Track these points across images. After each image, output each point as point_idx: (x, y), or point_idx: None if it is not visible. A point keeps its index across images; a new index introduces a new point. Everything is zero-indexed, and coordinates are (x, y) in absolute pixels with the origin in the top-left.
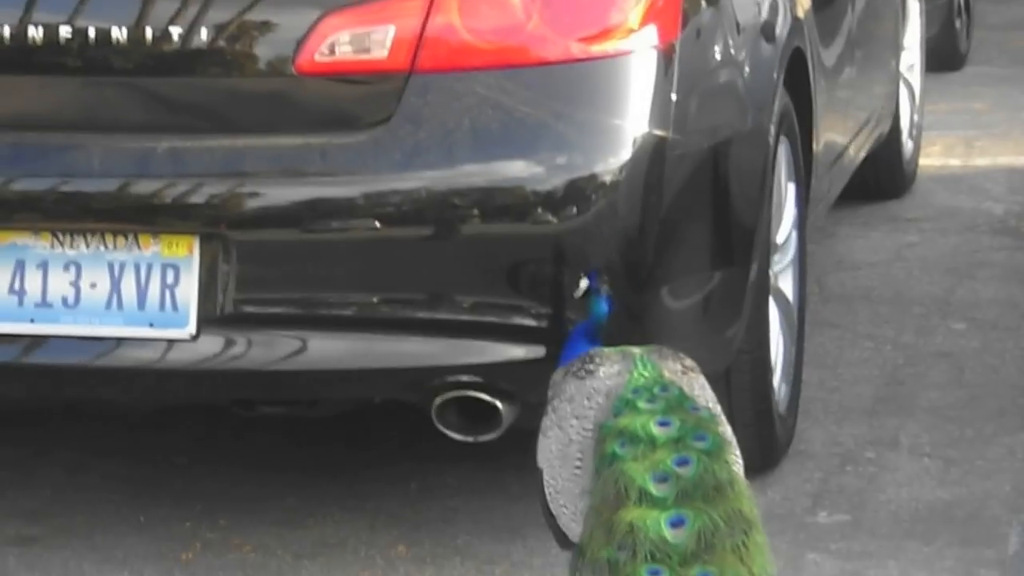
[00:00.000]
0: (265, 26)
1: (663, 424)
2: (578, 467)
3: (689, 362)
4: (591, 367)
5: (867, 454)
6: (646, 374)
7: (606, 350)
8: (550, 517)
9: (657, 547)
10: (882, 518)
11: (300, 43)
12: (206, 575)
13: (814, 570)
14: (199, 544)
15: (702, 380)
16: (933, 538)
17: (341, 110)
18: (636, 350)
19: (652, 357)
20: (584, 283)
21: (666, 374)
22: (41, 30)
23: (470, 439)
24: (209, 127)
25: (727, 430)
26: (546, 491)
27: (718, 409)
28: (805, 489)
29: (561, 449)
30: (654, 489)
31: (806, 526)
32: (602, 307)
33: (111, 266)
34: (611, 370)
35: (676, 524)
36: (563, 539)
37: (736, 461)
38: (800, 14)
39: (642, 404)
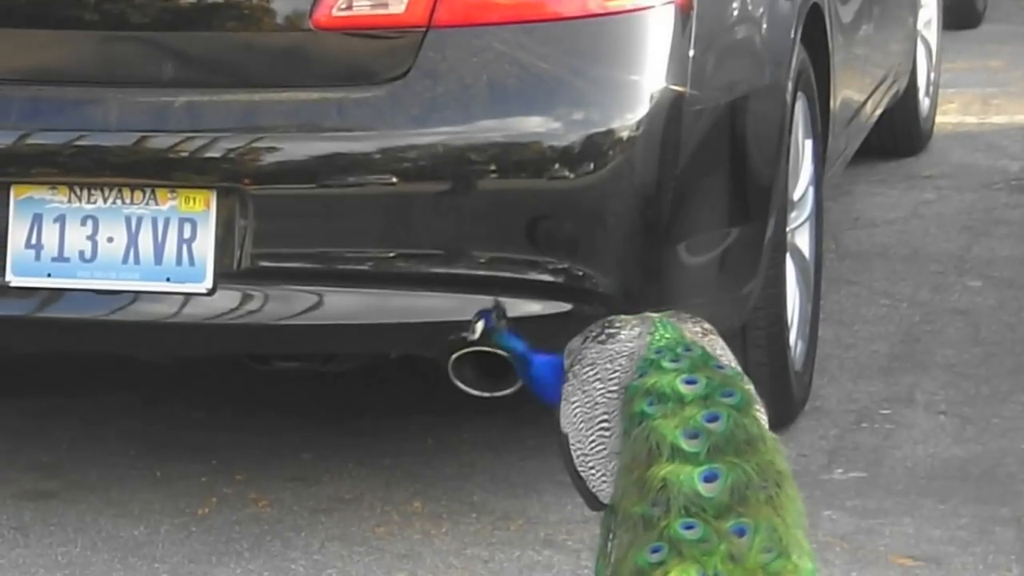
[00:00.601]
0: None
1: (690, 382)
2: (605, 429)
3: (707, 325)
4: (611, 331)
5: (883, 411)
6: (667, 335)
7: (623, 316)
8: (579, 480)
9: (691, 501)
10: (898, 475)
11: None
12: (222, 530)
13: (830, 527)
14: (215, 499)
15: (722, 342)
16: (949, 495)
17: (358, 65)
18: (654, 314)
19: (671, 320)
20: (480, 324)
21: (687, 335)
22: None
23: (486, 394)
24: (226, 82)
25: (752, 388)
26: (573, 455)
27: (740, 370)
28: (821, 446)
29: (586, 412)
30: (686, 445)
31: (822, 483)
32: (511, 340)
33: (128, 220)
34: (632, 333)
35: (709, 478)
36: (593, 501)
37: (761, 417)
38: None
39: (666, 363)
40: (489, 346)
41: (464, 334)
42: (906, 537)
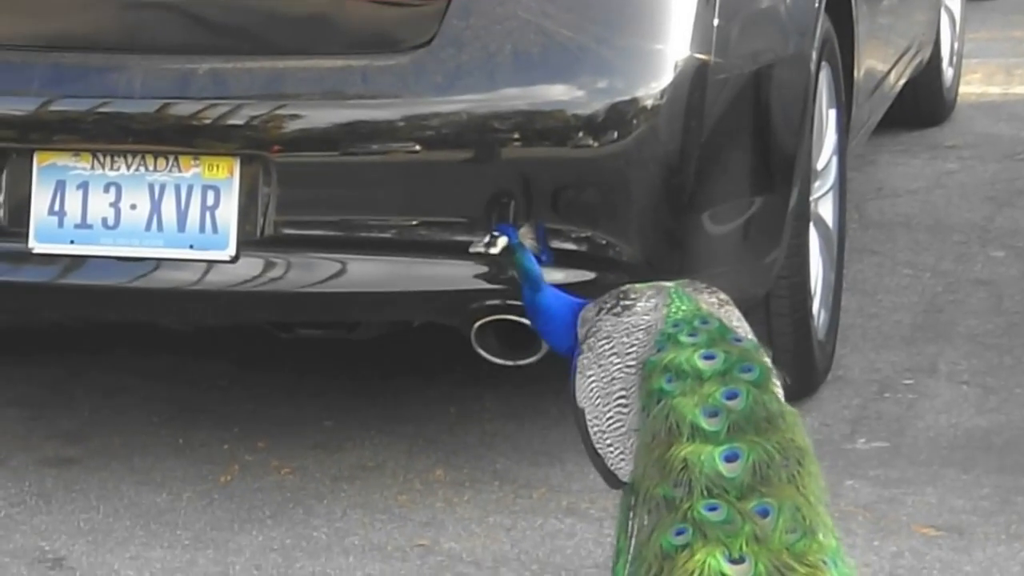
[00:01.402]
0: None
1: (708, 357)
2: (622, 405)
3: (723, 295)
4: (627, 303)
5: (905, 381)
6: (684, 307)
7: (638, 285)
8: (596, 457)
9: (713, 482)
10: (920, 445)
11: None
12: (244, 497)
13: (852, 496)
14: (237, 466)
15: (738, 313)
16: (971, 465)
17: (382, 32)
18: (668, 284)
19: (687, 290)
20: (502, 240)
21: (703, 306)
22: None
23: (509, 363)
24: (250, 49)
25: (769, 360)
26: (590, 431)
27: (756, 342)
28: (843, 415)
29: (603, 387)
30: (705, 424)
31: (844, 452)
32: (531, 263)
33: (151, 187)
34: (648, 305)
35: (730, 458)
36: (612, 479)
37: (777, 390)
38: None
39: (684, 338)
40: (506, 263)
41: (483, 248)
42: (928, 507)
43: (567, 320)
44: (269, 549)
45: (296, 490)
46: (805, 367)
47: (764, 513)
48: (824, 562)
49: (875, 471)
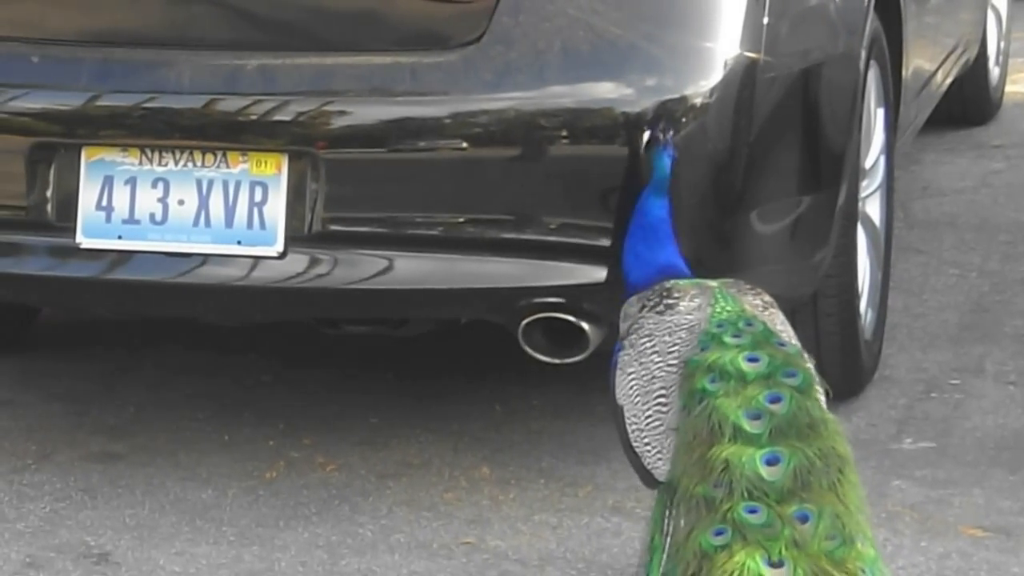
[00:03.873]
0: None
1: (752, 360)
2: (662, 404)
3: (768, 297)
4: (670, 301)
5: (952, 381)
6: (729, 308)
7: (682, 283)
8: (633, 455)
9: (754, 485)
10: (967, 445)
11: None
12: (290, 494)
13: (899, 497)
14: (283, 463)
15: (782, 316)
16: (1019, 466)
17: (431, 29)
18: (713, 283)
19: (731, 291)
20: (646, 135)
21: (748, 308)
22: None
23: (556, 361)
24: (299, 45)
25: (812, 367)
26: (628, 429)
27: (800, 346)
28: (890, 415)
29: (643, 386)
30: (748, 426)
31: (891, 452)
32: (664, 160)
33: (199, 183)
34: (691, 304)
35: (771, 462)
36: (648, 478)
37: (820, 396)
38: None
39: (728, 339)
40: (643, 159)
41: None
42: (975, 508)
43: (646, 258)
44: (314, 546)
45: (342, 487)
46: (852, 366)
47: (804, 519)
48: (862, 570)
49: (922, 471)
